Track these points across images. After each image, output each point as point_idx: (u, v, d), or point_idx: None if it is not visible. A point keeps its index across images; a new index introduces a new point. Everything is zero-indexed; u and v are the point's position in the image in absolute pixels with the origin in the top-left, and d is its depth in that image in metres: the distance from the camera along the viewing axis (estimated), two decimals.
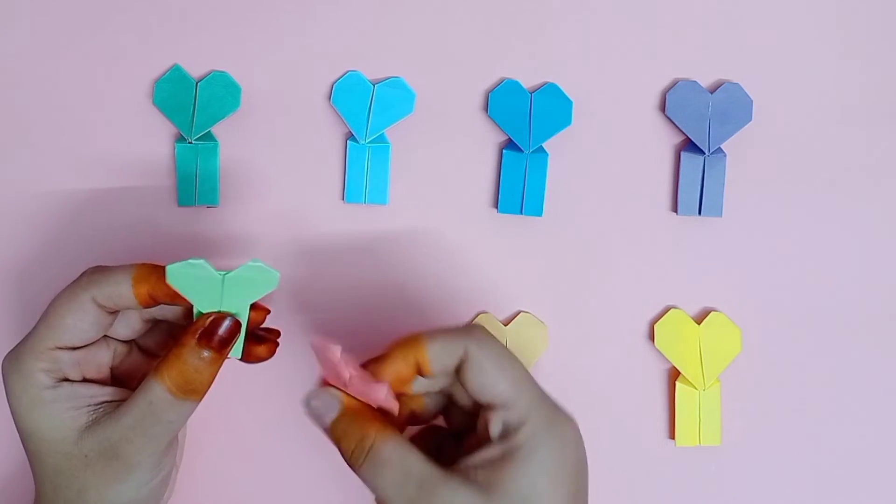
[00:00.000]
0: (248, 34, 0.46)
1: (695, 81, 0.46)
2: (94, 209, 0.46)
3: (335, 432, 0.36)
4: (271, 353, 0.39)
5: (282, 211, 0.46)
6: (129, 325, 0.40)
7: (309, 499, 0.47)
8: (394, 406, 0.36)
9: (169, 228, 0.46)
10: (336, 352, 0.35)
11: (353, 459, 0.35)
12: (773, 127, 0.47)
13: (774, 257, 0.47)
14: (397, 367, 0.36)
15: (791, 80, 0.47)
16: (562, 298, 0.47)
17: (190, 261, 0.37)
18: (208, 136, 0.46)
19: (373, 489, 0.35)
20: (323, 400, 0.36)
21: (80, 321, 0.37)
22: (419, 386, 0.38)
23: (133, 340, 0.41)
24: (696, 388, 0.46)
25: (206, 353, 0.37)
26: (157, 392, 0.36)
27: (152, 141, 0.46)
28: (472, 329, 0.37)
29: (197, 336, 0.37)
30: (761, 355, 0.47)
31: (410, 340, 0.36)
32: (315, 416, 0.36)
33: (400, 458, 0.35)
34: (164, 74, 0.46)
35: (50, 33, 0.46)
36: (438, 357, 0.36)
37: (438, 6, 0.47)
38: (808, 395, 0.47)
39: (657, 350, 0.46)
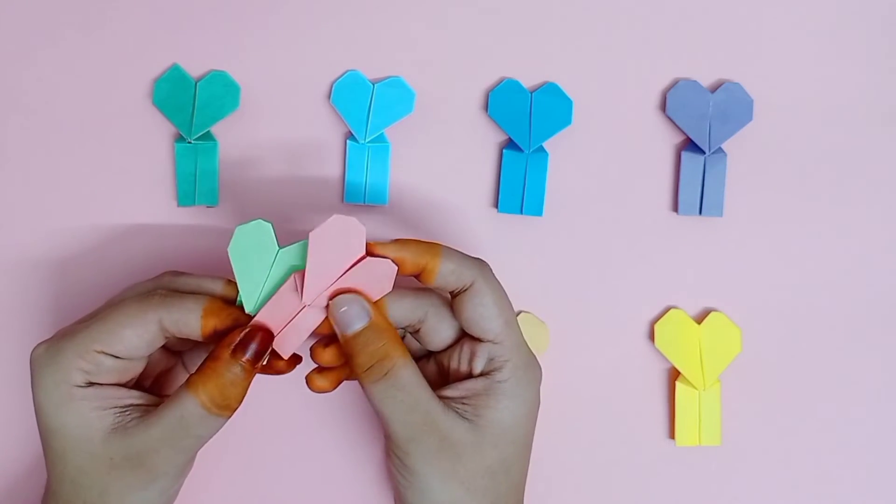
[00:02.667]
0: (247, 34, 0.46)
1: (695, 81, 0.46)
2: (93, 208, 0.46)
3: (356, 342, 0.37)
4: (291, 368, 0.40)
5: (281, 211, 0.46)
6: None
7: (309, 499, 0.47)
8: (389, 287, 0.38)
9: (168, 228, 0.46)
10: (362, 229, 0.37)
11: (368, 375, 0.37)
12: (774, 127, 0.47)
13: (774, 257, 0.47)
14: (407, 255, 0.38)
15: (791, 80, 0.47)
16: (562, 298, 0.47)
17: (259, 221, 0.37)
18: (207, 136, 0.46)
19: (380, 407, 0.37)
20: (353, 309, 0.37)
21: (139, 337, 0.37)
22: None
23: None
24: (696, 389, 0.46)
25: (239, 367, 0.37)
26: (189, 406, 0.36)
27: (152, 140, 0.46)
28: (482, 263, 0.39)
29: (232, 349, 0.37)
30: (761, 355, 0.47)
31: (430, 245, 0.38)
32: (340, 321, 0.37)
33: (414, 386, 0.37)
34: (163, 74, 0.46)
35: (49, 33, 0.46)
36: (448, 273, 0.38)
37: (438, 6, 0.47)
38: (807, 395, 0.47)
39: (657, 350, 0.46)
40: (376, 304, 0.38)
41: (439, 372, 0.41)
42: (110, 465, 0.37)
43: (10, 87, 0.46)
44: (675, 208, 0.47)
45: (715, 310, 0.47)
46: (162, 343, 0.38)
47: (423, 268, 0.38)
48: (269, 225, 0.37)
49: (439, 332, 0.40)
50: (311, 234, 0.37)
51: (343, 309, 0.37)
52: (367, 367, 0.37)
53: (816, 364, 0.47)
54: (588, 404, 0.47)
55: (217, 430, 0.38)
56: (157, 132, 0.46)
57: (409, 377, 0.37)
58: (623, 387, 0.47)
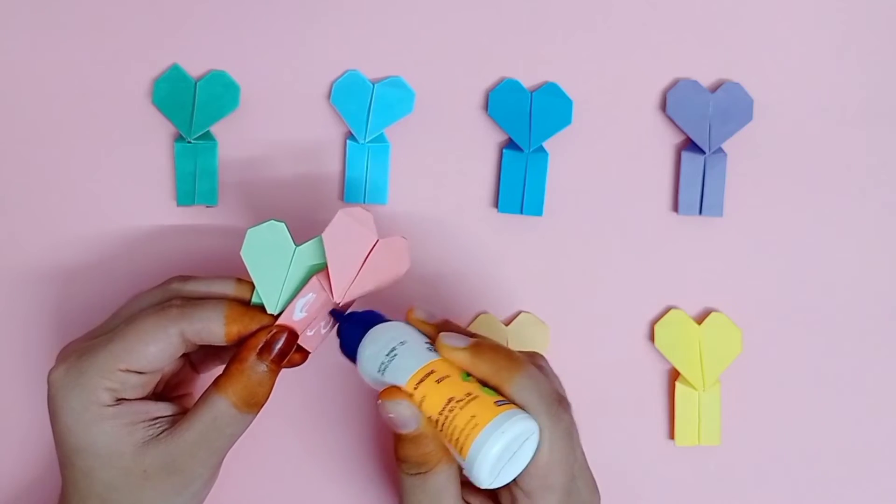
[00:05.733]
0: (247, 34, 0.46)
1: (695, 81, 0.46)
2: (93, 208, 0.46)
3: (402, 439, 0.36)
4: (305, 359, 0.40)
5: (281, 211, 0.46)
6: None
7: (306, 499, 0.47)
8: (406, 262, 0.38)
9: (168, 228, 0.46)
10: (369, 215, 0.38)
11: (404, 467, 0.36)
12: (773, 127, 0.47)
13: (774, 257, 0.47)
14: (481, 367, 0.35)
15: (791, 80, 0.47)
16: (562, 298, 0.47)
17: (272, 221, 0.38)
18: (207, 136, 0.46)
19: (404, 498, 0.37)
20: (402, 414, 0.35)
21: (162, 352, 0.37)
22: None
23: None
24: (695, 389, 0.46)
25: (264, 367, 0.37)
26: (220, 407, 0.37)
27: (151, 140, 0.46)
28: (558, 412, 0.35)
29: (258, 351, 0.37)
30: (761, 355, 0.47)
31: (509, 361, 0.35)
32: (391, 422, 0.36)
33: (440, 493, 0.36)
34: (163, 74, 0.46)
35: (50, 33, 0.46)
36: (516, 402, 0.35)
37: (438, 6, 0.47)
38: (808, 395, 0.47)
39: (657, 350, 0.46)
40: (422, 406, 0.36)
41: None
42: (143, 477, 0.37)
43: (10, 87, 0.46)
44: (675, 208, 0.47)
45: (715, 310, 0.47)
46: (183, 352, 0.38)
47: (491, 384, 0.36)
48: (283, 224, 0.38)
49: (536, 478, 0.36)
50: (324, 235, 0.37)
51: (391, 416, 0.36)
52: (405, 461, 0.36)
53: (816, 364, 0.47)
54: (588, 404, 0.47)
55: (247, 427, 0.38)
56: (157, 132, 0.46)
57: (439, 485, 0.36)
58: (623, 387, 0.47)
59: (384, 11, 0.46)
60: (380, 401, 0.36)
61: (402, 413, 0.35)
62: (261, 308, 0.38)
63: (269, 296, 0.38)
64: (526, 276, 0.47)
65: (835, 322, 0.47)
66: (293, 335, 0.38)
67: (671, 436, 0.47)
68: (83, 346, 0.38)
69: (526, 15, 0.47)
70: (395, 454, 0.37)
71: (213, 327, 0.37)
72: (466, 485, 0.37)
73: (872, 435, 0.48)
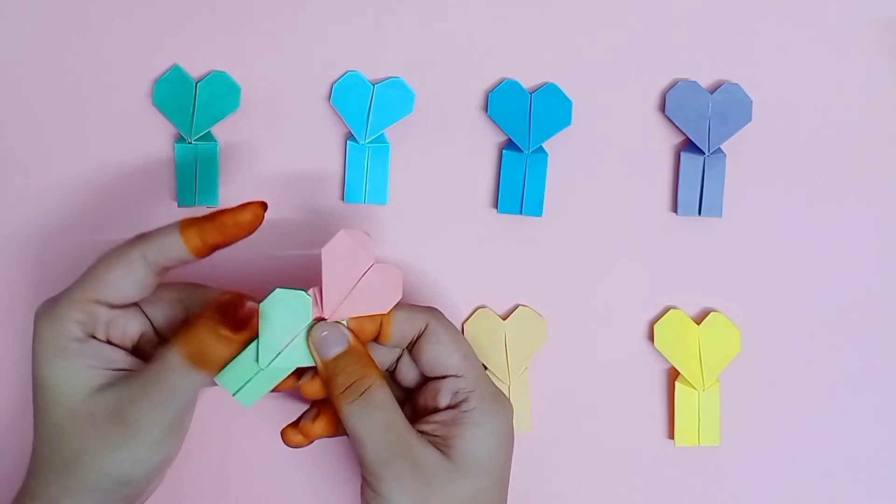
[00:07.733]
0: (247, 34, 0.46)
1: (695, 82, 0.46)
2: (93, 209, 0.46)
3: (334, 366, 0.38)
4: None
5: (281, 212, 0.46)
6: (165, 315, 0.40)
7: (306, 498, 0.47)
8: (398, 293, 0.39)
9: None
10: (369, 239, 0.39)
11: (345, 395, 0.38)
12: (773, 127, 0.47)
13: (774, 257, 0.47)
14: (362, 322, 0.39)
15: (790, 81, 0.47)
16: (561, 299, 0.47)
17: (302, 293, 0.38)
18: (208, 137, 0.46)
19: (355, 428, 0.37)
20: (333, 333, 0.38)
21: (126, 277, 0.37)
22: None
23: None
24: (695, 389, 0.46)
25: (221, 330, 0.37)
26: (169, 358, 0.37)
27: (152, 141, 0.46)
28: (433, 308, 0.41)
29: (214, 309, 0.37)
30: (761, 355, 0.47)
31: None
32: (321, 346, 0.38)
33: (389, 405, 0.38)
34: (163, 74, 0.46)
35: (50, 33, 0.46)
36: (401, 324, 0.39)
37: (438, 6, 0.47)
38: (807, 395, 0.47)
39: (657, 350, 0.47)
40: (354, 333, 0.39)
41: (413, 417, 0.41)
42: (89, 422, 0.37)
43: (10, 87, 0.46)
44: (675, 209, 0.47)
45: (714, 310, 0.47)
46: (154, 281, 0.38)
47: (380, 323, 0.39)
48: (310, 298, 0.38)
49: (442, 345, 0.40)
50: (323, 250, 0.38)
51: (324, 333, 0.38)
52: (345, 388, 0.38)
53: (816, 364, 0.47)
54: (587, 404, 0.47)
55: (194, 389, 0.38)
56: (158, 133, 0.46)
57: (384, 397, 0.38)
58: (622, 387, 0.47)
59: (384, 12, 0.46)
60: (311, 331, 0.38)
61: (334, 332, 0.38)
62: (218, 212, 0.38)
63: (266, 351, 0.38)
64: (525, 277, 0.47)
65: (834, 322, 0.47)
66: (254, 309, 0.38)
67: (671, 436, 0.47)
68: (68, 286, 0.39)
69: (525, 16, 0.47)
70: (333, 395, 0.38)
71: (171, 241, 0.37)
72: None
73: (873, 435, 0.48)
